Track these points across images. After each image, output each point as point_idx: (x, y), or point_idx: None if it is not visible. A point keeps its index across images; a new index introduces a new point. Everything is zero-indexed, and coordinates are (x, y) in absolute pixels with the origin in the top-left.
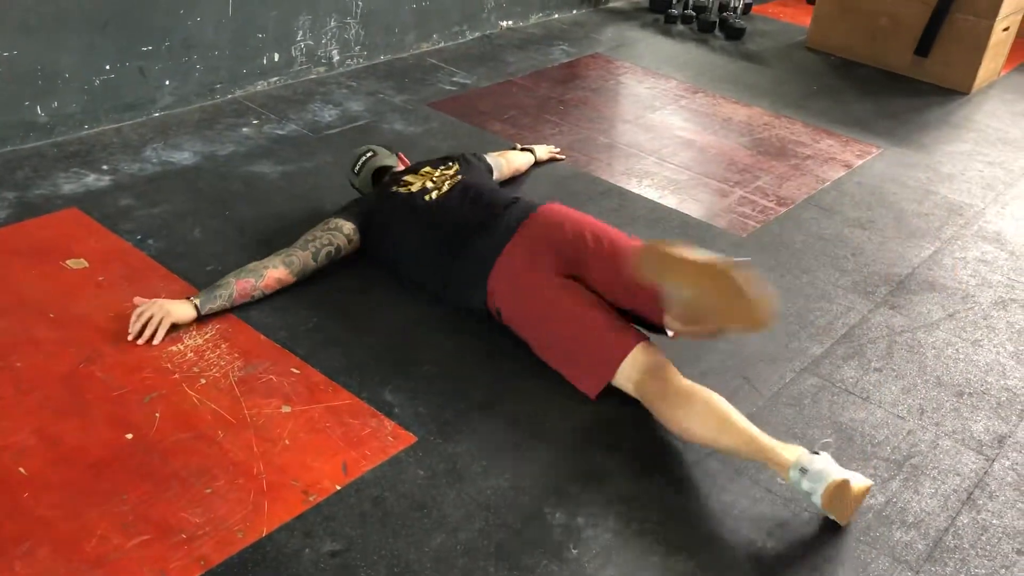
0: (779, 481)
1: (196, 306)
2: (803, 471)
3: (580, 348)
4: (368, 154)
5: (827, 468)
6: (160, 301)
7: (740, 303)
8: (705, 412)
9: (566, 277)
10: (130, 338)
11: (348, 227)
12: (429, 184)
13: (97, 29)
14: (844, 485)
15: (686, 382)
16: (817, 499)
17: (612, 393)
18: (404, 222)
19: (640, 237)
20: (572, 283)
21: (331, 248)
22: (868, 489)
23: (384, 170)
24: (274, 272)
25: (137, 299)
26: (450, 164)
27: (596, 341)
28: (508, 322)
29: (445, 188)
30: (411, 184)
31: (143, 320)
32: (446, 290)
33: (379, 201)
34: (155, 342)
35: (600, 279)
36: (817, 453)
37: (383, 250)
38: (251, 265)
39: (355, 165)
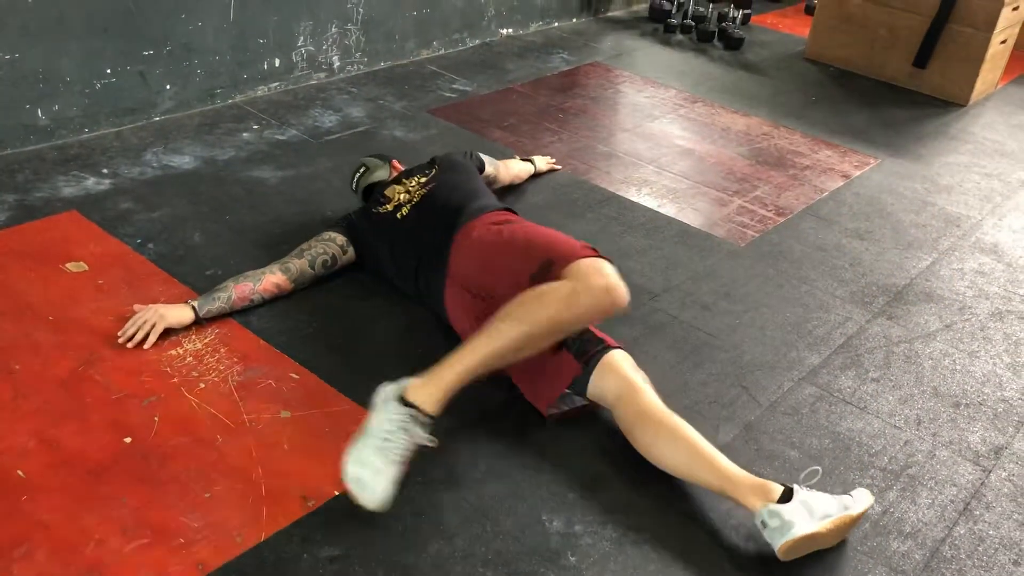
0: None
1: (194, 308)
2: (763, 524)
3: (533, 370)
4: (361, 171)
5: (791, 521)
6: (156, 306)
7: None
8: (674, 443)
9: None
10: (120, 341)
11: (341, 239)
12: (404, 197)
13: (98, 33)
14: (806, 540)
15: (656, 407)
16: (776, 549)
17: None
18: (381, 241)
19: (638, 246)
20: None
21: (326, 257)
22: (860, 515)
23: (373, 186)
24: (272, 277)
25: (137, 306)
26: (429, 171)
27: (542, 365)
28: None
29: (416, 199)
30: (389, 201)
31: (136, 324)
32: (430, 307)
33: (362, 219)
34: (146, 346)
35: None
36: (789, 495)
37: (375, 266)
38: (249, 271)
39: (352, 183)
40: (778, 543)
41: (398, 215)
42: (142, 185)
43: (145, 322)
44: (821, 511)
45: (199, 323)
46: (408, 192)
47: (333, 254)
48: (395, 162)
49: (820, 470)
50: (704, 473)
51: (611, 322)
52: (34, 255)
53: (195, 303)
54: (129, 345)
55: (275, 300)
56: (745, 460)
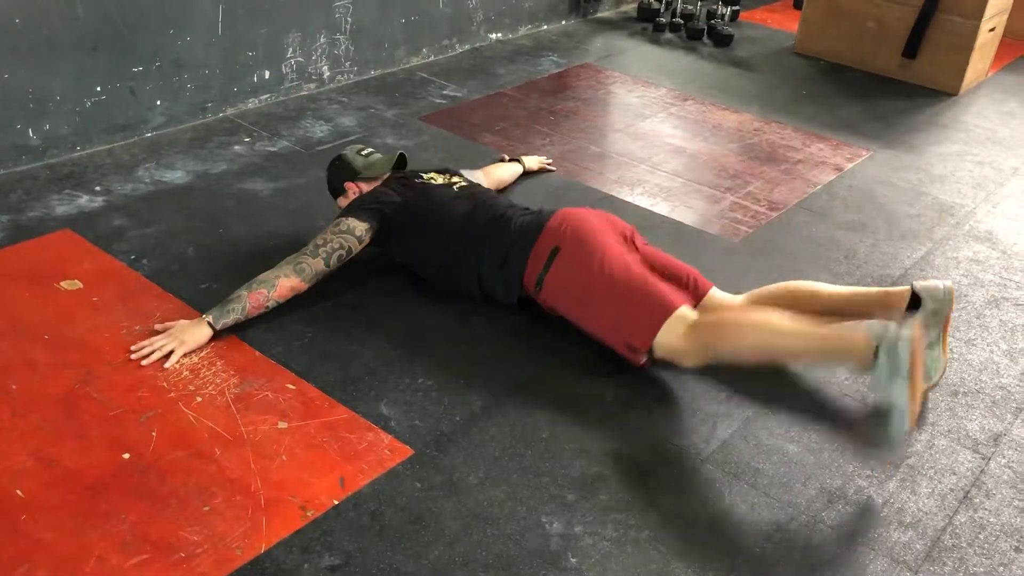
0: (782, 483)
1: (210, 323)
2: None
3: (634, 299)
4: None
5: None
6: (176, 330)
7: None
8: (758, 324)
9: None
10: (133, 357)
11: (361, 227)
12: (445, 179)
13: (87, 51)
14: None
15: (729, 312)
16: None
17: (609, 400)
18: (439, 209)
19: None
20: (622, 244)
21: (342, 252)
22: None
23: (403, 160)
24: (286, 281)
25: (157, 325)
26: (450, 173)
27: (650, 291)
28: (550, 292)
29: (457, 190)
30: (434, 178)
31: (155, 346)
32: (481, 268)
33: (408, 191)
34: (165, 365)
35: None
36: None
37: (405, 244)
38: (262, 276)
39: (363, 149)
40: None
41: (455, 188)
42: (135, 201)
43: (163, 347)
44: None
45: (216, 337)
46: (447, 181)
47: (350, 247)
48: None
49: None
50: (794, 339)
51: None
52: (28, 275)
53: (210, 318)
54: (144, 363)
55: (269, 311)
56: (744, 455)
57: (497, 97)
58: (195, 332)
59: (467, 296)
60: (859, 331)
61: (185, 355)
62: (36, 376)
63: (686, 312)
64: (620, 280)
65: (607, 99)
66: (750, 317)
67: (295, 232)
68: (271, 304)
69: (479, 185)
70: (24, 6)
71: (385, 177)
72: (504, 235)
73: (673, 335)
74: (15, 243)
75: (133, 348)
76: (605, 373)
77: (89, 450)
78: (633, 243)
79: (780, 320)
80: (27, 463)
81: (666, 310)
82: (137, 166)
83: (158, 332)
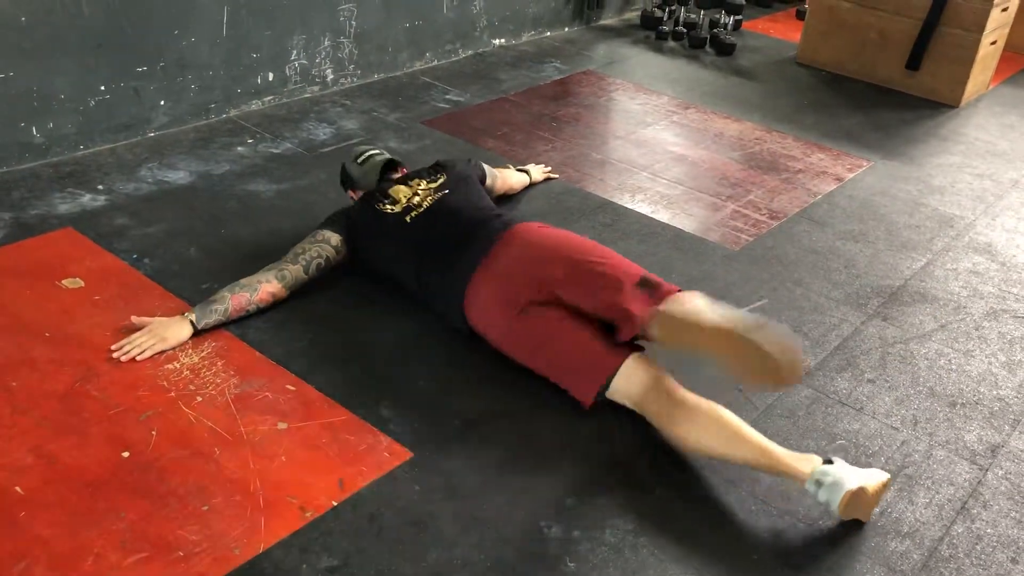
0: (780, 491)
1: (192, 322)
2: (819, 484)
3: (571, 360)
4: (376, 152)
5: (842, 478)
6: (156, 327)
7: (767, 364)
8: (713, 426)
9: (541, 304)
10: (114, 355)
11: (335, 239)
12: (415, 200)
13: (91, 50)
14: (859, 493)
15: (689, 395)
16: (835, 508)
17: (607, 407)
18: (387, 239)
19: (635, 254)
20: (549, 309)
21: (320, 260)
22: (887, 484)
23: (390, 167)
24: (268, 287)
25: (134, 319)
26: (438, 176)
27: (587, 351)
28: (495, 345)
29: (427, 204)
30: (397, 201)
31: (133, 344)
32: (432, 308)
33: (364, 216)
34: (139, 359)
35: (576, 303)
36: (831, 461)
37: (371, 263)
38: (244, 280)
39: (359, 156)
40: (836, 498)
41: (407, 218)
42: (137, 201)
43: (142, 343)
44: (859, 475)
45: (196, 335)
46: (418, 195)
47: (327, 256)
48: (403, 168)
49: (845, 443)
50: (746, 452)
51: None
52: (30, 272)
53: (192, 316)
54: (123, 359)
55: (270, 310)
56: None
57: (499, 102)
58: (177, 329)
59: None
60: (802, 466)
61: (185, 353)
62: (36, 373)
63: (629, 375)
64: (549, 356)
65: (609, 106)
66: (704, 414)
67: (297, 234)
68: (252, 308)
69: (460, 192)
70: (29, 4)
71: (367, 190)
72: (430, 295)
73: (621, 396)
74: (17, 241)
75: (113, 347)
76: None
77: (88, 448)
78: (554, 287)
79: (736, 428)
80: (27, 460)
81: (603, 373)
82: (140, 166)
83: (136, 328)
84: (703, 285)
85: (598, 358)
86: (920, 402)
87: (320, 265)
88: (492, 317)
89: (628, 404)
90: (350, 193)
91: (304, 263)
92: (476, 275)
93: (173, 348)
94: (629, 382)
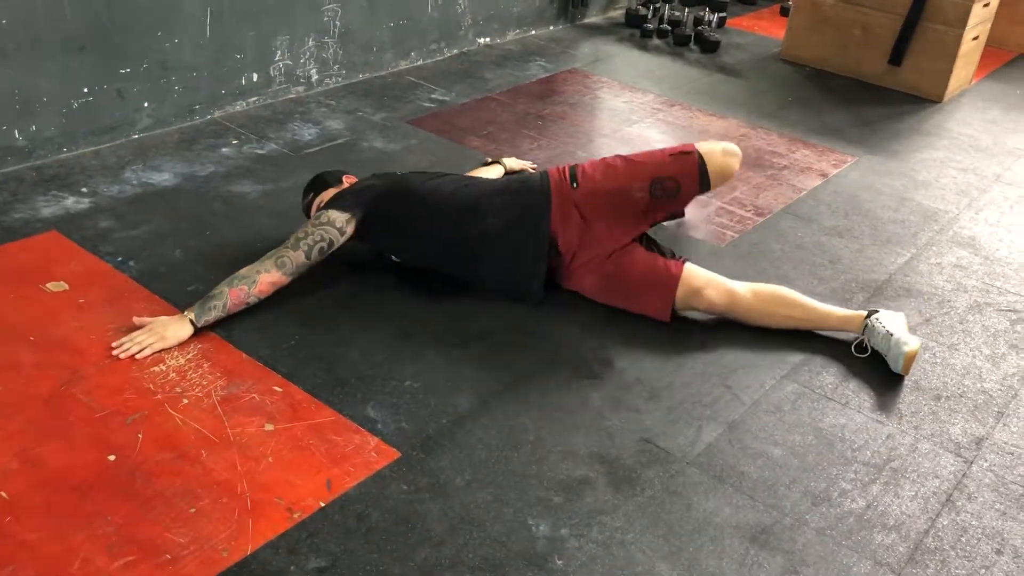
0: (766, 486)
1: (191, 320)
2: (884, 330)
3: (642, 284)
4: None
5: (899, 339)
6: (156, 325)
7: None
8: (771, 300)
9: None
10: (114, 353)
11: (341, 219)
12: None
13: (74, 52)
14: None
15: (738, 283)
16: (901, 359)
17: (595, 403)
18: (422, 186)
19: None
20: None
21: (323, 244)
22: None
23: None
24: (267, 276)
25: (136, 319)
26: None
27: (653, 274)
28: (585, 193)
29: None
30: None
31: (134, 341)
32: (484, 250)
33: (385, 179)
34: (138, 357)
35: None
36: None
37: (394, 228)
38: (243, 271)
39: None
40: (902, 351)
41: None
42: (122, 203)
43: (142, 341)
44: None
45: (198, 333)
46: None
47: (331, 239)
48: (348, 176)
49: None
50: (802, 314)
51: (596, 330)
52: (14, 276)
53: (192, 315)
54: (122, 356)
55: (256, 310)
56: (729, 458)
57: (485, 101)
58: (176, 328)
59: (462, 277)
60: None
61: (171, 355)
62: (21, 377)
63: (687, 283)
64: (625, 282)
65: (594, 104)
66: (764, 297)
67: (282, 235)
68: (252, 300)
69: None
70: (11, 6)
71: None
72: (506, 197)
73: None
74: (0, 244)
75: (114, 344)
76: (591, 376)
77: (75, 451)
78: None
79: (793, 302)
80: (12, 464)
81: (671, 291)
82: (124, 168)
83: (136, 327)
84: None
85: (664, 278)
86: (905, 396)
87: (323, 249)
88: (585, 238)
89: (700, 307)
90: (347, 177)
91: (306, 248)
92: (554, 200)
93: (173, 347)
94: (686, 289)
